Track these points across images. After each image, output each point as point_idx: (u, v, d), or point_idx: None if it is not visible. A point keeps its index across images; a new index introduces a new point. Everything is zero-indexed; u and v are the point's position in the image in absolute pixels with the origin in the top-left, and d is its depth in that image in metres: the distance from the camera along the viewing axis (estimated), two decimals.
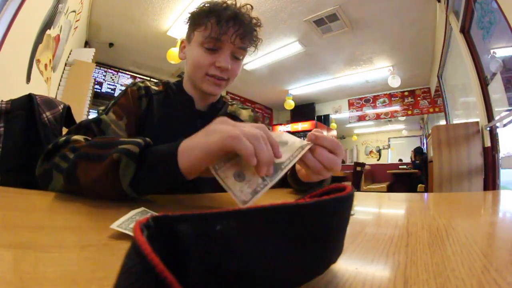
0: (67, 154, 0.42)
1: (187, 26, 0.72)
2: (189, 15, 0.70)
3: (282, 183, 0.77)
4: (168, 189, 0.40)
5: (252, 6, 0.69)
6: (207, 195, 0.56)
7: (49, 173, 0.42)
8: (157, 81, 0.78)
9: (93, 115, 3.70)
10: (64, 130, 0.85)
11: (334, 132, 7.34)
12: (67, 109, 0.82)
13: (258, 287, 0.12)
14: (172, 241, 0.11)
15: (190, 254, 0.11)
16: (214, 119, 0.38)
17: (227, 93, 6.17)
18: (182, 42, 0.76)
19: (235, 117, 0.84)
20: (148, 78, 5.44)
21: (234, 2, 0.67)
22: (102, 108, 0.65)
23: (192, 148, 0.35)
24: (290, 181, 0.70)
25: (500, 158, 2.23)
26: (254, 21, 0.69)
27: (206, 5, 0.67)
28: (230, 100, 0.88)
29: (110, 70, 5.11)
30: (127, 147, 0.37)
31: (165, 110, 0.71)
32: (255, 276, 0.12)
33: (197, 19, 0.67)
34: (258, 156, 0.32)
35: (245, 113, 0.88)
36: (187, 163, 0.35)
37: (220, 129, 0.34)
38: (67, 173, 0.39)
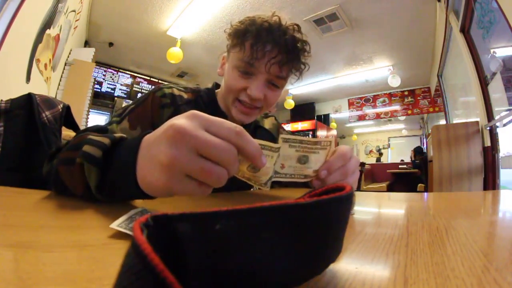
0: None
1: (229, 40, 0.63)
2: (228, 30, 0.62)
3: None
4: None
5: (299, 27, 0.59)
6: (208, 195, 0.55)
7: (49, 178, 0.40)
8: (184, 87, 0.70)
9: (93, 115, 3.70)
10: (63, 130, 0.85)
11: (334, 132, 7.34)
12: (67, 109, 0.82)
13: (257, 286, 0.12)
14: (171, 240, 0.11)
15: (189, 253, 0.11)
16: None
17: None
18: (223, 57, 0.68)
19: (259, 127, 0.80)
20: (149, 78, 5.46)
21: (277, 21, 0.57)
22: (119, 112, 0.60)
23: (144, 176, 0.29)
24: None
25: (500, 157, 2.23)
26: (300, 46, 0.58)
27: (247, 21, 0.58)
28: None
29: (110, 70, 5.11)
30: (90, 150, 0.33)
31: None
32: (254, 274, 0.12)
33: (233, 38, 0.59)
34: (211, 184, 0.27)
35: (267, 122, 0.85)
36: (144, 186, 0.29)
37: (160, 161, 0.26)
38: (53, 182, 0.38)
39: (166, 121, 0.28)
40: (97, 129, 0.52)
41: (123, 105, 0.62)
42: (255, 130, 0.78)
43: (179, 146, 0.25)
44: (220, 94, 0.69)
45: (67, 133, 0.90)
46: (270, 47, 0.55)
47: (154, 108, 0.61)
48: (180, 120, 0.26)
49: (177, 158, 0.25)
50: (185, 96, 0.67)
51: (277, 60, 0.56)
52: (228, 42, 0.63)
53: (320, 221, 0.14)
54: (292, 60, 0.58)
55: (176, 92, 0.66)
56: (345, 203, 0.15)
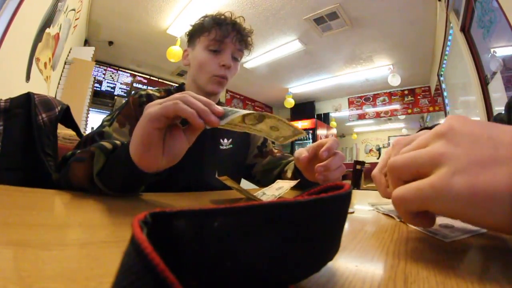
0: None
1: (188, 36, 0.82)
2: (192, 27, 0.82)
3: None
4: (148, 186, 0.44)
5: (244, 18, 0.83)
6: (206, 193, 0.56)
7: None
8: (158, 89, 0.85)
9: (92, 114, 3.69)
10: (63, 128, 0.85)
11: (334, 131, 7.34)
12: (66, 109, 0.82)
13: (256, 284, 0.12)
14: (170, 238, 0.11)
15: (188, 251, 0.11)
16: None
17: (227, 91, 6.16)
18: (185, 51, 0.85)
19: None
20: (149, 77, 5.46)
21: (230, 15, 0.80)
22: (108, 118, 0.70)
23: (134, 137, 0.37)
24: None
25: None
26: (248, 29, 0.83)
27: (207, 18, 0.79)
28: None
29: (109, 69, 5.09)
30: (103, 143, 0.43)
31: None
32: (253, 272, 0.12)
33: (202, 27, 0.78)
34: (192, 107, 0.36)
35: None
36: (135, 150, 0.37)
37: (146, 115, 0.36)
38: (63, 175, 0.45)
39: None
40: (97, 133, 0.63)
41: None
42: None
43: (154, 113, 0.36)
44: (188, 83, 0.84)
45: (67, 132, 0.90)
46: (232, 28, 0.77)
47: (135, 107, 0.73)
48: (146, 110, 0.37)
49: (157, 111, 0.35)
50: (158, 94, 0.80)
51: (237, 37, 0.78)
52: (193, 36, 0.81)
53: (320, 219, 0.14)
54: (245, 37, 0.81)
55: (150, 92, 0.80)
56: (343, 201, 0.15)
